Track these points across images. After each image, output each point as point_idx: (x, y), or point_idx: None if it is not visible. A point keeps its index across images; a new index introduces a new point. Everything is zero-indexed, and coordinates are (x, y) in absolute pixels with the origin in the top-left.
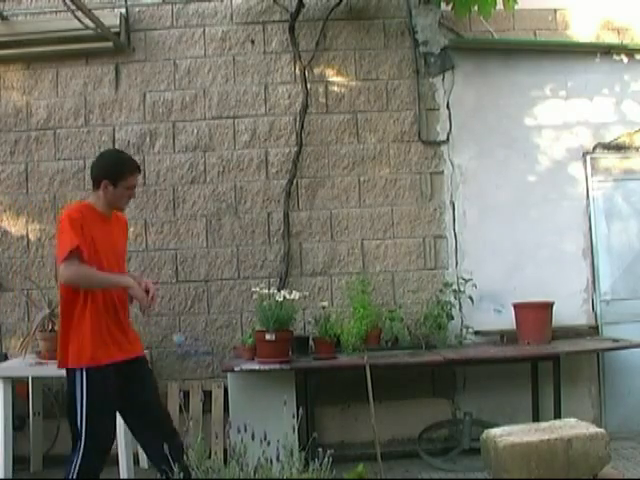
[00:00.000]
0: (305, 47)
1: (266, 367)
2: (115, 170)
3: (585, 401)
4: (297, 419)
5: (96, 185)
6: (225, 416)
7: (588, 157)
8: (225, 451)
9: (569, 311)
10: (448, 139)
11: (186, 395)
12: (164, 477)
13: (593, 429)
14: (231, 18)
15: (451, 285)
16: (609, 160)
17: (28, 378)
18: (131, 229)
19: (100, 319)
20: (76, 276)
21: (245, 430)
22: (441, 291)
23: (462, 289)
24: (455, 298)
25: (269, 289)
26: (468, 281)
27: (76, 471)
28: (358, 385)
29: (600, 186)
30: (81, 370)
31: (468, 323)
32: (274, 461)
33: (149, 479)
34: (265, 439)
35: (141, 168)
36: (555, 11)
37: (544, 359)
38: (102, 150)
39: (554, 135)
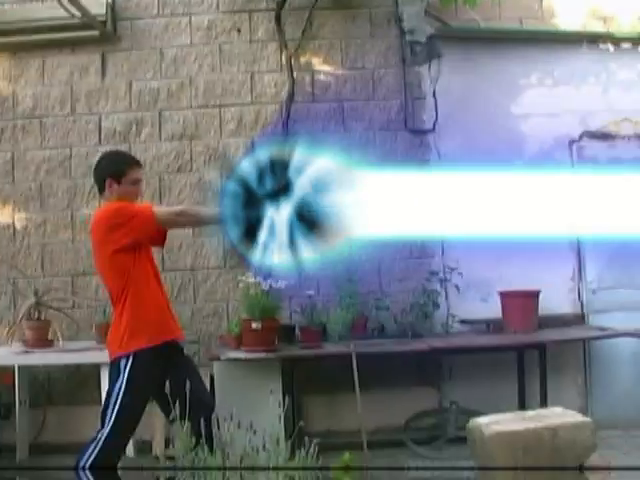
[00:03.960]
0: (291, 36)
1: (252, 356)
2: (115, 167)
3: (571, 390)
4: (283, 408)
5: (102, 187)
6: None
7: (574, 145)
8: (211, 440)
9: (555, 300)
10: (434, 128)
11: None
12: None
13: (579, 418)
14: (217, 7)
15: (437, 274)
16: (595, 148)
17: (14, 367)
18: None
19: (150, 302)
20: (177, 212)
21: (231, 419)
22: (427, 280)
23: (448, 278)
24: (441, 287)
25: (255, 278)
26: (454, 270)
27: (95, 454)
28: (344, 374)
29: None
30: (129, 355)
31: (454, 312)
32: (260, 450)
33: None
34: (251, 428)
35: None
36: (541, 0)
37: (530, 348)
38: (88, 139)
39: (540, 123)
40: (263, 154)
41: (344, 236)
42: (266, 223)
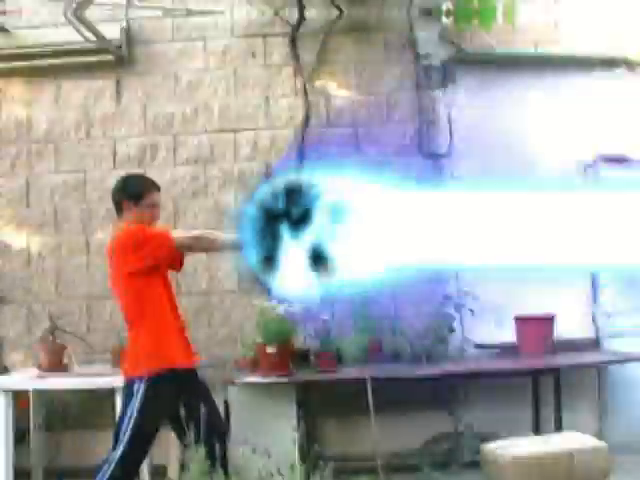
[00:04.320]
0: (306, 60)
1: (267, 380)
2: (133, 190)
3: (586, 414)
4: (298, 432)
5: (119, 209)
6: None
7: (589, 169)
8: (226, 465)
9: (570, 324)
10: (449, 152)
11: None
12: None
13: (594, 442)
14: (232, 31)
15: (452, 298)
16: (609, 172)
17: (29, 391)
18: None
19: (166, 326)
20: (195, 236)
21: (246, 444)
22: (442, 304)
23: (463, 302)
24: (456, 311)
25: (270, 302)
26: (468, 294)
27: (108, 477)
28: (359, 398)
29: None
30: (143, 378)
31: (469, 336)
32: (275, 474)
33: None
34: (266, 452)
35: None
36: (556, 24)
37: (545, 372)
38: (103, 163)
39: (555, 148)
40: (281, 180)
41: (359, 262)
42: (285, 249)
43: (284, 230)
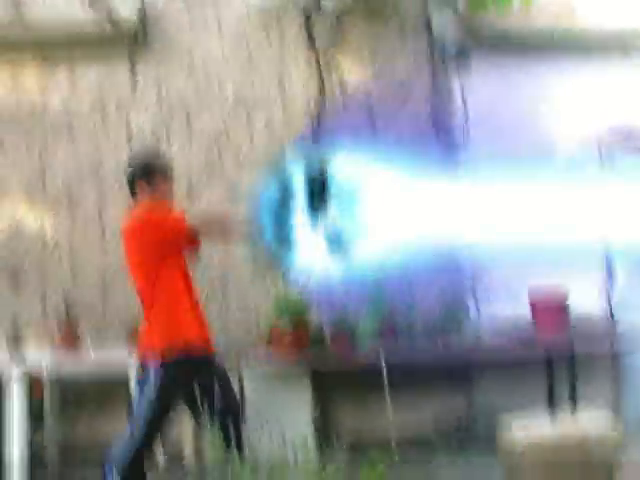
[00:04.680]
0: (321, 39)
1: (282, 362)
2: (146, 169)
3: (601, 394)
4: (313, 414)
5: (133, 189)
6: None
7: (604, 152)
8: (242, 447)
9: (584, 302)
10: (464, 134)
11: None
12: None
13: (609, 421)
14: (247, 12)
15: (467, 280)
16: (625, 155)
17: (44, 374)
18: None
19: (181, 306)
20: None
21: (261, 427)
22: (457, 286)
23: (478, 284)
24: (471, 293)
25: (285, 284)
26: (484, 276)
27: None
28: (374, 379)
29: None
30: (159, 361)
31: (484, 318)
32: (290, 457)
33: None
34: (281, 435)
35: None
36: (572, 6)
37: (560, 350)
38: (118, 145)
39: (570, 131)
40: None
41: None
42: (302, 230)
43: (302, 212)
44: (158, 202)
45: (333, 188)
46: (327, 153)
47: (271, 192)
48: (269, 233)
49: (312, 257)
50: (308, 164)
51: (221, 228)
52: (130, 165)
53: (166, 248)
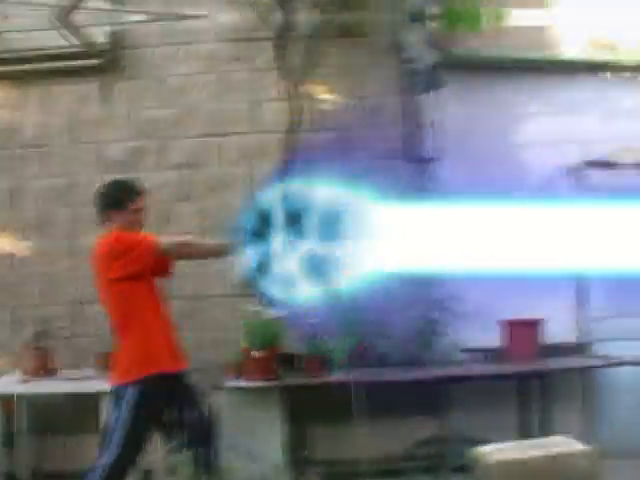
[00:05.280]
0: (293, 64)
1: (252, 384)
2: (117, 196)
3: (573, 419)
4: (285, 436)
5: (104, 218)
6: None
7: (575, 174)
8: (214, 469)
9: (557, 328)
10: (436, 156)
11: None
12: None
13: (581, 446)
14: (218, 36)
15: (439, 302)
16: (595, 177)
17: (14, 396)
18: None
19: (154, 331)
20: (181, 243)
21: (233, 449)
22: (429, 308)
23: (450, 306)
24: (443, 315)
25: (257, 306)
26: (456, 298)
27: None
28: (346, 402)
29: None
30: (131, 384)
31: (456, 340)
32: (262, 479)
33: None
34: (253, 457)
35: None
36: (543, 29)
37: (531, 376)
38: (89, 167)
39: (542, 152)
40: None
41: (350, 268)
42: (276, 254)
43: (278, 236)
44: (128, 230)
45: (309, 215)
46: (300, 177)
47: (248, 217)
48: (245, 256)
49: (287, 281)
50: (284, 190)
51: (194, 247)
52: (101, 195)
53: (138, 271)
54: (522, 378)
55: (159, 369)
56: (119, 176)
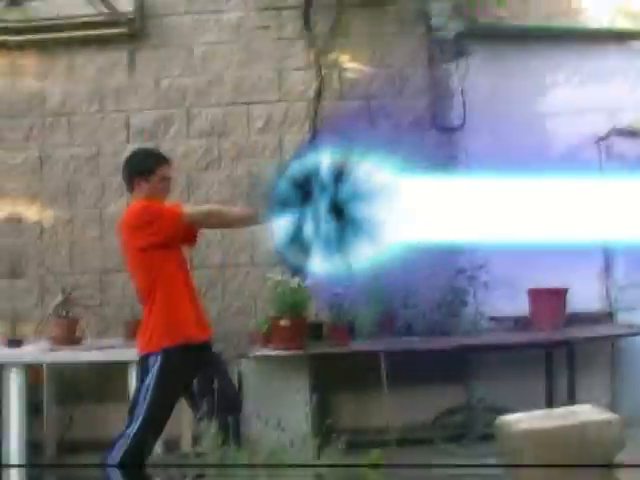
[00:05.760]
0: (319, 33)
1: (280, 353)
2: (143, 165)
3: (599, 387)
4: (310, 405)
5: (130, 186)
6: None
7: (602, 143)
8: (239, 437)
9: (583, 297)
10: (462, 126)
11: None
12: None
13: (607, 415)
14: (245, 4)
15: (465, 271)
16: (623, 145)
17: (42, 365)
18: None
19: (179, 301)
20: (207, 212)
21: (259, 417)
22: (455, 277)
23: (476, 275)
24: (469, 284)
25: (283, 275)
26: (482, 267)
27: (124, 452)
28: (372, 371)
29: (614, 172)
30: (157, 353)
31: (482, 309)
32: (288, 447)
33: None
34: (279, 425)
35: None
36: None
37: (558, 345)
38: (116, 136)
39: (568, 121)
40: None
41: (376, 237)
42: (304, 223)
43: (305, 205)
44: (154, 198)
45: (336, 184)
46: (328, 148)
47: (276, 186)
48: (273, 225)
49: (314, 250)
50: (311, 159)
51: (220, 216)
52: (128, 162)
53: (163, 241)
54: (548, 347)
55: (185, 338)
56: (145, 145)
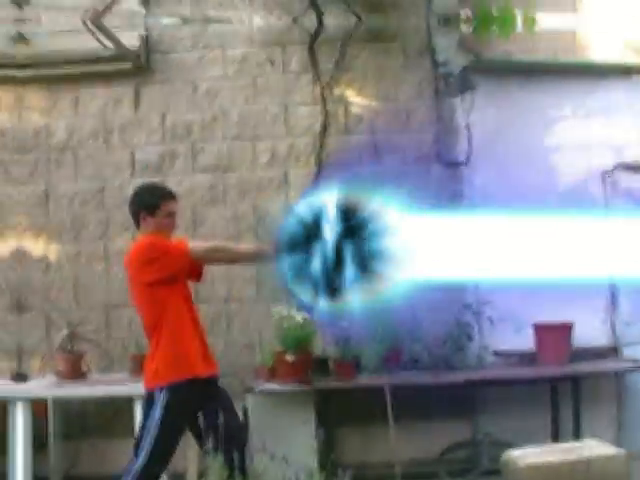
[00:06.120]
0: (324, 68)
1: (286, 388)
2: (149, 201)
3: (605, 422)
4: (317, 440)
5: (137, 221)
6: None
7: (608, 177)
8: (245, 472)
9: (589, 332)
10: (468, 161)
11: None
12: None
13: (612, 449)
14: (250, 39)
15: (470, 306)
16: (629, 181)
17: (48, 399)
18: None
19: (185, 335)
20: (212, 248)
21: (265, 451)
22: (460, 312)
23: (481, 310)
24: (474, 319)
25: (289, 310)
26: (487, 302)
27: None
28: (378, 406)
29: (620, 207)
30: (163, 388)
31: (487, 344)
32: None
33: None
34: (285, 460)
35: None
36: (575, 32)
37: (563, 380)
38: (121, 171)
39: (574, 156)
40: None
41: (386, 275)
42: (310, 260)
43: (312, 241)
44: (160, 233)
45: (342, 221)
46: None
47: (281, 222)
48: (279, 261)
49: (320, 286)
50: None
51: (225, 252)
52: (134, 198)
53: (169, 277)
54: (554, 381)
55: (191, 374)
56: (151, 180)
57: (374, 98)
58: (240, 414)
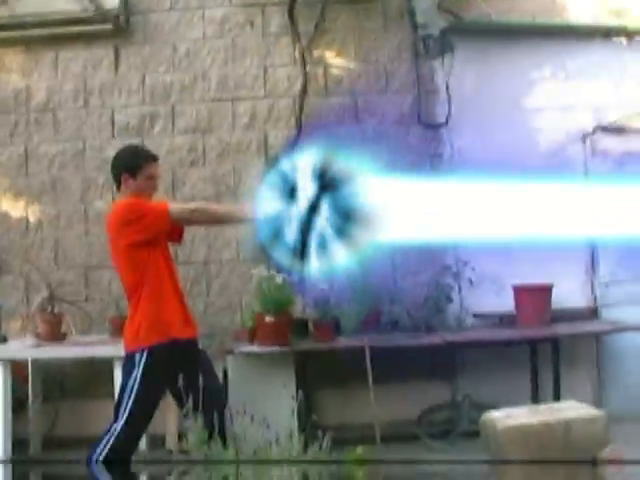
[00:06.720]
0: (304, 29)
1: (265, 350)
2: (131, 162)
3: (584, 384)
4: (296, 402)
5: (118, 182)
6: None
7: (587, 139)
8: (224, 434)
9: (568, 294)
10: (447, 122)
11: None
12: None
13: (592, 411)
14: (230, 0)
15: (450, 268)
16: (608, 142)
17: (28, 360)
18: None
19: (165, 297)
20: (193, 209)
21: (244, 413)
22: (440, 274)
23: (461, 271)
24: (454, 281)
25: (268, 271)
26: (467, 264)
27: (108, 448)
28: (357, 367)
29: (599, 168)
30: (144, 350)
31: (467, 306)
32: (273, 443)
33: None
34: (264, 422)
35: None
36: None
37: (543, 341)
38: (101, 132)
39: (553, 117)
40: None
41: (365, 237)
42: (289, 220)
43: (290, 202)
44: (141, 195)
45: (320, 182)
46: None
47: (261, 183)
48: (258, 222)
49: (299, 247)
50: (296, 156)
51: (206, 213)
52: (116, 159)
53: (149, 238)
54: (533, 343)
55: (171, 336)
56: (130, 141)
57: (354, 60)
58: (220, 376)
